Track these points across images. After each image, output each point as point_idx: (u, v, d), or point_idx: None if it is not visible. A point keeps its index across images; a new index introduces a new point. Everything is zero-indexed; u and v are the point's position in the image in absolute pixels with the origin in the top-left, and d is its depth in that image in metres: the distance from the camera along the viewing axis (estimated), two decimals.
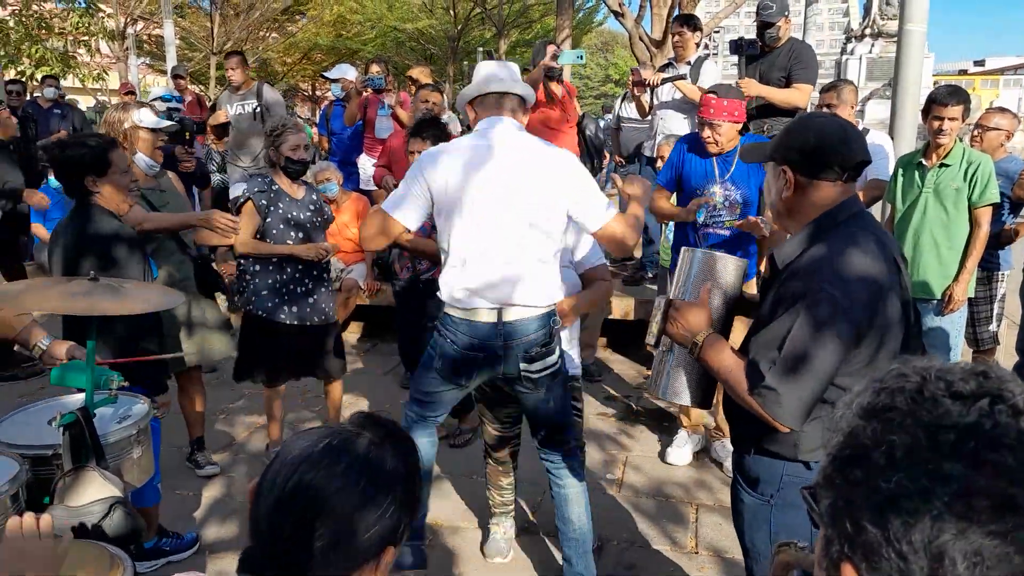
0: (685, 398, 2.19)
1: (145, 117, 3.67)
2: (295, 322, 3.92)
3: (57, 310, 2.31)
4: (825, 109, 4.43)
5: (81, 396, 2.41)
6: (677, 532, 3.55)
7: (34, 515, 1.31)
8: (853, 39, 17.21)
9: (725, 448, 4.04)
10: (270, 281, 3.89)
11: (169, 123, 3.99)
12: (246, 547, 1.02)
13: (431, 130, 3.88)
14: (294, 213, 3.93)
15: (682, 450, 4.21)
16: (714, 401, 2.43)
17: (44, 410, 2.38)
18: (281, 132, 3.92)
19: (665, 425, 4.69)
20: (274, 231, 3.89)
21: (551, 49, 5.08)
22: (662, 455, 4.27)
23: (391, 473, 1.08)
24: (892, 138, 5.16)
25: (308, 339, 4.00)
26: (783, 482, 1.98)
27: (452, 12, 21.55)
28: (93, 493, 1.95)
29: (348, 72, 6.59)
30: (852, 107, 4.58)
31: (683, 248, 2.29)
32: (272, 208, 3.89)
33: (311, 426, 4.43)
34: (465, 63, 22.25)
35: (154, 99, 6.12)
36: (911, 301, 1.98)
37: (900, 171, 4.13)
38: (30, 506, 1.97)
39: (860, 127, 4.53)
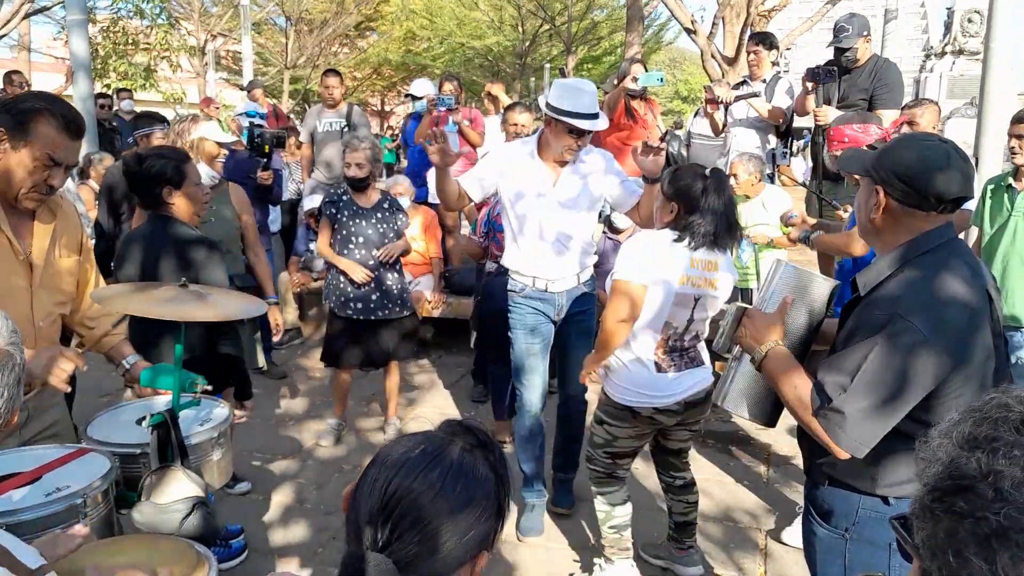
0: (748, 411, 2.13)
1: (211, 130, 3.88)
2: (361, 317, 4.40)
3: (147, 313, 2.41)
4: (906, 127, 4.30)
5: (164, 399, 2.51)
6: (745, 560, 3.47)
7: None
8: (933, 56, 16.73)
9: None
10: (341, 280, 4.41)
11: (232, 139, 4.21)
12: (345, 552, 1.05)
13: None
14: (356, 221, 4.40)
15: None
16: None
17: (131, 411, 2.48)
18: (346, 150, 4.44)
19: (732, 449, 4.61)
20: (339, 237, 4.42)
21: (636, 68, 5.19)
22: (731, 489, 4.18)
23: (484, 480, 1.11)
24: (976, 159, 5.00)
25: (377, 330, 4.46)
26: (859, 516, 1.90)
27: (520, 29, 21.73)
28: (177, 492, 2.02)
29: (429, 88, 6.71)
30: (934, 126, 4.44)
31: (775, 259, 2.28)
32: (339, 217, 4.40)
33: (367, 419, 4.51)
34: (532, 79, 22.40)
35: (239, 114, 6.33)
36: (1002, 333, 1.90)
37: (988, 194, 3.99)
38: (118, 502, 2.06)
39: None
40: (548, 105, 3.27)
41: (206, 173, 3.85)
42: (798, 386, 1.85)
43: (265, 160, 5.09)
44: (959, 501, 0.77)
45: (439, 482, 1.07)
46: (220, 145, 3.97)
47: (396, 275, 4.51)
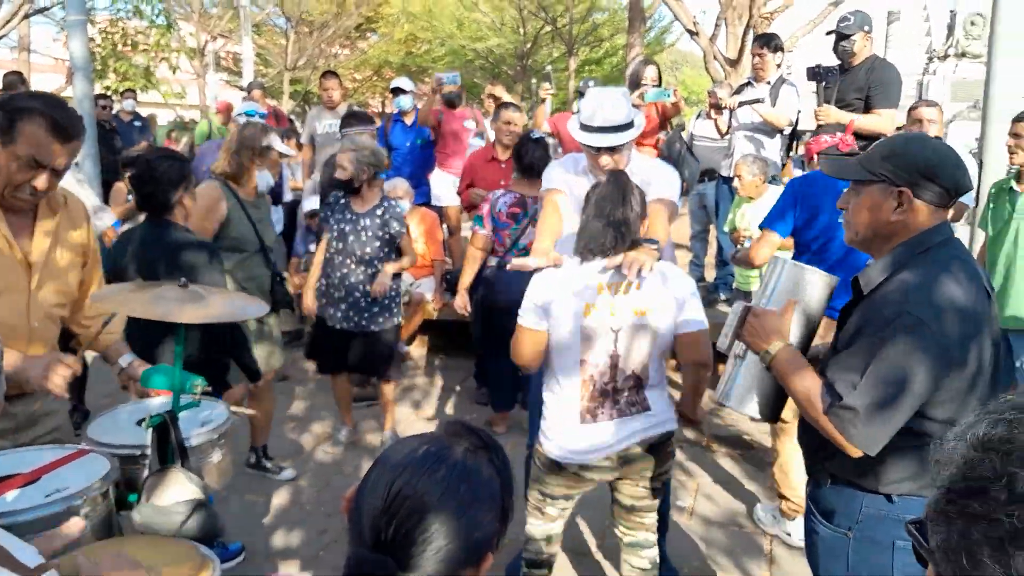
0: (752, 409, 2.10)
1: (277, 142, 3.98)
2: (337, 325, 4.33)
3: (146, 314, 2.39)
4: (915, 127, 4.27)
5: (164, 399, 2.50)
6: (751, 564, 3.46)
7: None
8: (935, 59, 16.73)
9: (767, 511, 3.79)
10: (322, 284, 4.40)
11: (292, 152, 4.27)
12: (348, 555, 1.03)
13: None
14: (341, 225, 4.32)
15: (767, 513, 3.78)
16: (781, 418, 2.31)
17: (130, 411, 2.46)
18: (336, 152, 4.46)
19: (738, 452, 4.60)
20: (327, 237, 4.37)
21: (649, 70, 5.27)
22: (737, 494, 4.13)
23: (488, 480, 1.10)
24: (980, 162, 4.98)
25: (354, 340, 4.36)
26: (862, 514, 1.90)
27: (521, 30, 21.74)
28: (178, 494, 2.00)
29: (406, 83, 6.70)
30: (940, 126, 4.43)
31: (773, 256, 2.25)
32: (329, 220, 4.36)
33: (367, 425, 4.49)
34: (534, 81, 22.41)
35: (238, 114, 6.32)
36: (1000, 332, 1.90)
37: (992, 197, 3.98)
38: (117, 503, 2.04)
39: None
40: (579, 122, 2.90)
41: (265, 180, 3.96)
42: (809, 385, 1.84)
43: None
44: (973, 503, 0.76)
45: (444, 482, 1.06)
46: (282, 156, 4.09)
47: (366, 289, 4.32)
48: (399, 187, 5.85)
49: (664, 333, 2.45)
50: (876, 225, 1.87)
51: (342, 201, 4.35)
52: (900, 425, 1.74)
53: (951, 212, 4.14)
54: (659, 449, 2.52)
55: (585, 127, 2.85)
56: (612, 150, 2.84)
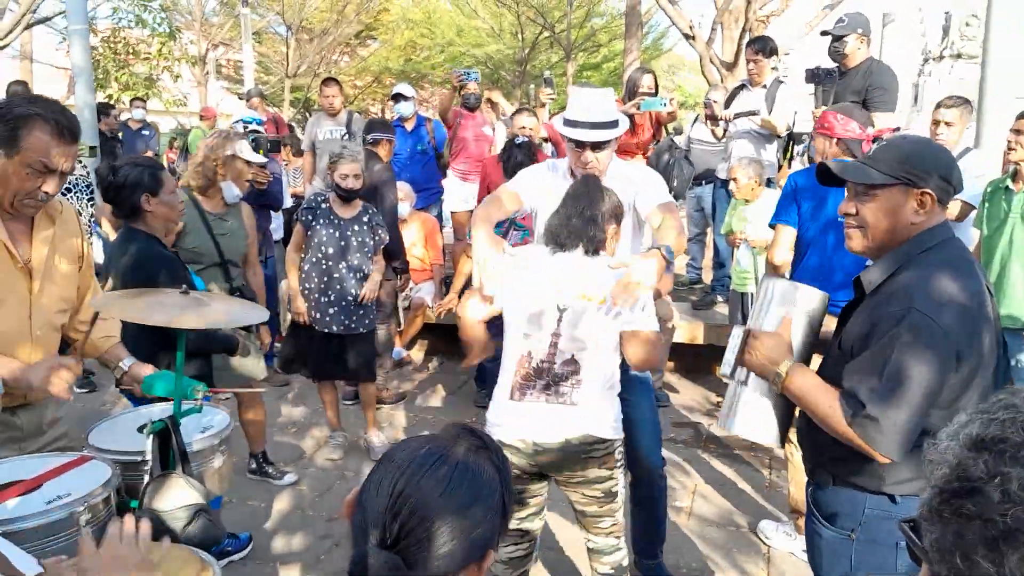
0: (758, 434, 2.08)
1: (244, 149, 3.90)
2: (326, 329, 4.34)
3: (147, 321, 2.40)
4: (943, 127, 4.24)
5: (165, 405, 2.51)
6: (748, 564, 3.46)
7: (134, 519, 1.36)
8: (931, 60, 16.75)
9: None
10: (305, 288, 4.38)
11: (263, 159, 4.21)
12: (352, 554, 1.04)
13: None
14: (330, 231, 4.32)
15: (778, 532, 3.64)
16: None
17: (132, 418, 2.47)
18: (337, 159, 4.32)
19: (735, 453, 4.60)
20: (311, 243, 4.35)
21: (646, 79, 5.29)
22: (734, 493, 4.16)
23: (489, 479, 1.12)
24: None
25: (331, 343, 4.38)
26: (865, 516, 1.89)
27: (520, 36, 21.75)
28: (179, 499, 2.01)
29: (406, 89, 6.72)
30: (966, 127, 4.35)
31: (764, 276, 2.24)
32: (314, 223, 4.33)
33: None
34: (532, 86, 22.42)
35: (235, 121, 6.33)
36: (1000, 331, 1.90)
37: (987, 196, 3.99)
38: (119, 510, 2.05)
39: (962, 147, 4.34)
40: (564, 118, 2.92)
41: (231, 191, 3.87)
42: (828, 400, 1.83)
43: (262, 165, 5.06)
44: (967, 503, 0.77)
45: (446, 480, 1.08)
46: (249, 164, 3.96)
47: (355, 292, 4.37)
48: (400, 189, 5.87)
49: (611, 326, 2.43)
50: (896, 229, 1.85)
51: (324, 206, 4.35)
52: (920, 424, 1.73)
53: (956, 212, 4.14)
54: (583, 453, 2.43)
55: (570, 122, 2.85)
56: (595, 147, 2.83)
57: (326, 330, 4.34)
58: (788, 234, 3.42)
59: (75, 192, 5.42)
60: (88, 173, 5.60)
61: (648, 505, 3.22)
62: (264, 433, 4.19)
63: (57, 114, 2.06)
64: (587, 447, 2.43)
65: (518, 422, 2.43)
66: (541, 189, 3.00)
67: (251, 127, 5.29)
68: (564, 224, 2.50)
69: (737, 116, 5.29)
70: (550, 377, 2.43)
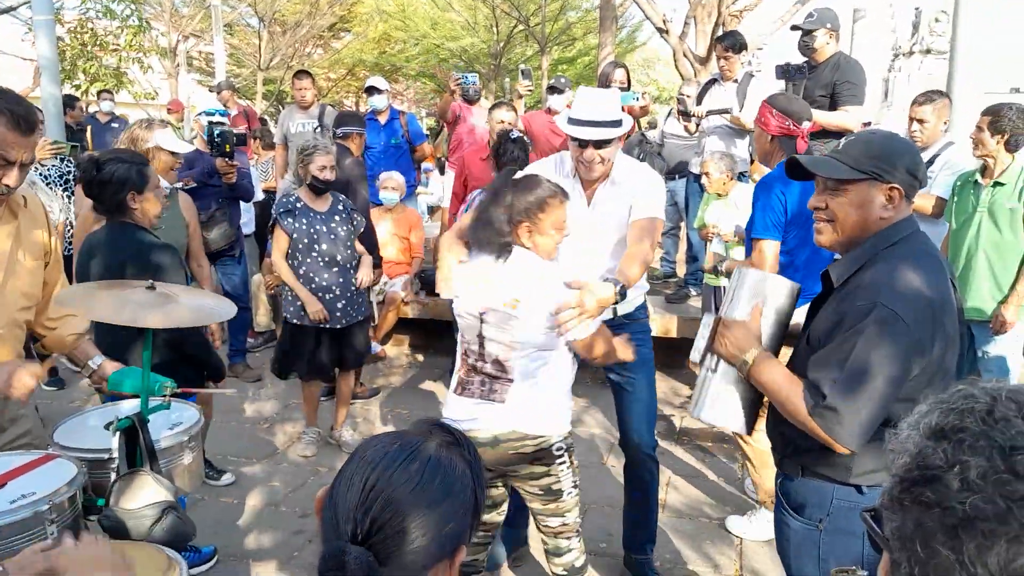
0: (727, 421, 2.12)
1: (167, 139, 3.73)
2: (327, 326, 4.29)
3: (112, 319, 2.36)
4: (917, 124, 4.28)
5: (133, 402, 2.47)
6: (720, 556, 3.49)
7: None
8: (901, 56, 16.96)
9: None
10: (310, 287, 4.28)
11: (189, 147, 4.04)
12: (323, 550, 1.03)
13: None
14: (316, 227, 4.27)
15: (751, 523, 3.67)
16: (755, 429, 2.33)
17: (99, 415, 2.43)
18: (312, 152, 4.25)
19: (707, 445, 4.64)
20: (300, 245, 4.26)
21: (619, 73, 5.37)
22: (726, 526, 3.81)
23: (461, 474, 1.12)
24: None
25: (339, 339, 4.39)
26: (833, 506, 1.92)
27: (495, 29, 21.71)
28: (147, 497, 1.98)
29: (380, 82, 6.68)
30: (946, 122, 4.35)
31: (736, 267, 2.25)
32: (296, 224, 4.24)
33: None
34: (507, 80, 22.39)
35: (198, 113, 6.23)
36: (963, 324, 1.94)
37: (956, 190, 4.05)
38: (85, 508, 2.02)
39: (944, 142, 4.38)
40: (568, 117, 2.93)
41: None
42: (788, 388, 1.87)
43: (227, 158, 4.99)
44: (926, 491, 0.78)
45: (418, 475, 1.07)
46: (174, 155, 3.83)
47: (353, 286, 4.41)
48: (392, 178, 5.86)
49: (531, 329, 2.41)
50: (865, 223, 1.88)
51: (300, 205, 4.27)
52: (881, 417, 1.76)
53: (931, 207, 4.17)
54: (511, 448, 2.46)
55: (574, 121, 2.86)
56: (598, 145, 2.84)
57: (338, 326, 4.32)
58: (773, 248, 3.24)
59: (51, 184, 5.28)
60: (63, 163, 5.46)
61: (638, 487, 3.23)
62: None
63: (12, 104, 2.00)
64: (515, 443, 2.46)
65: (460, 415, 2.51)
66: None
67: (213, 119, 5.18)
68: (472, 231, 2.56)
69: (710, 113, 5.32)
70: (484, 375, 2.52)
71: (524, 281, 2.42)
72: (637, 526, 3.29)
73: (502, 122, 5.17)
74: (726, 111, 5.22)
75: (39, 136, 2.13)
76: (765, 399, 2.05)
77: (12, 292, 2.20)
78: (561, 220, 2.50)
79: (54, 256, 2.38)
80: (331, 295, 4.29)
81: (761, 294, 2.06)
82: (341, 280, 4.32)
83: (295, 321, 4.31)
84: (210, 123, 5.07)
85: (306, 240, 4.25)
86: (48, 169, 5.32)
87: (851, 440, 1.77)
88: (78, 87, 14.30)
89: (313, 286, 4.26)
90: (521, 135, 4.59)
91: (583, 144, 2.85)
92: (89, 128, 9.45)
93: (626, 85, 5.47)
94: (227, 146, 4.91)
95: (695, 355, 2.11)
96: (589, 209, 3.01)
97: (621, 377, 3.13)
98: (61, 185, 5.38)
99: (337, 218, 4.35)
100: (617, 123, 2.86)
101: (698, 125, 5.53)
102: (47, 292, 2.37)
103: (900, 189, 1.84)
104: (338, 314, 4.32)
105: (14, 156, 2.01)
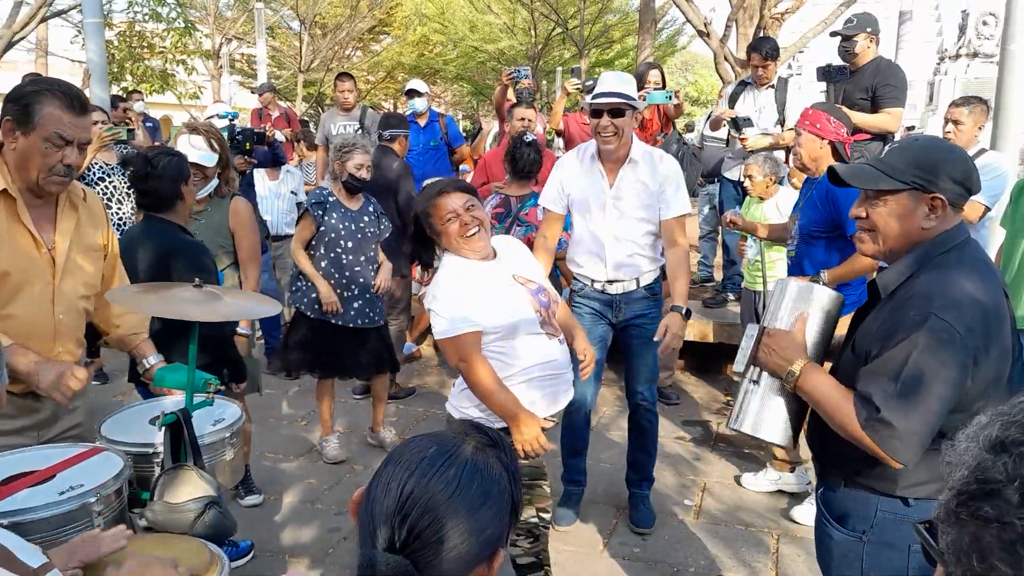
0: (770, 434, 2.06)
1: (191, 149, 3.52)
2: (340, 323, 4.26)
3: (160, 313, 2.42)
4: (951, 125, 4.23)
5: (175, 398, 2.52)
6: (756, 562, 3.45)
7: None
8: (947, 59, 16.61)
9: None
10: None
11: (214, 158, 3.67)
12: (361, 557, 1.03)
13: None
14: (346, 224, 4.25)
15: (758, 478, 4.14)
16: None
17: (144, 410, 2.48)
18: (350, 150, 4.25)
19: (745, 451, 4.58)
20: (326, 238, 4.24)
21: (653, 74, 5.46)
22: (739, 480, 4.19)
23: (498, 477, 1.10)
24: None
25: (353, 339, 4.31)
26: (877, 518, 1.88)
27: (533, 32, 21.73)
28: (190, 492, 2.02)
29: (420, 85, 6.72)
30: (981, 128, 4.31)
31: (779, 278, 2.23)
32: (326, 217, 4.22)
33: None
34: (544, 82, 22.40)
35: (210, 116, 6.29)
36: (1016, 332, 1.88)
37: (1013, 196, 3.95)
38: (130, 501, 2.06)
39: (978, 148, 4.31)
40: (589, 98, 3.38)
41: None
42: (839, 400, 1.82)
43: (246, 155, 5.22)
44: (985, 506, 0.76)
45: (456, 480, 1.06)
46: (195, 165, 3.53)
47: (373, 284, 4.35)
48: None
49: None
50: (908, 234, 1.83)
51: (332, 199, 4.25)
52: (935, 430, 1.71)
53: (972, 214, 4.11)
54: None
55: (593, 95, 3.27)
56: (612, 114, 3.17)
57: (351, 324, 4.28)
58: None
59: (114, 178, 5.24)
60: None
61: (639, 434, 3.72)
62: (248, 446, 3.90)
63: (63, 87, 2.12)
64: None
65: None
66: (564, 187, 3.44)
67: (227, 120, 5.34)
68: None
69: (735, 121, 5.28)
70: None
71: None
72: (635, 464, 3.74)
73: (522, 119, 5.19)
74: (747, 120, 5.20)
75: (91, 118, 2.22)
76: (808, 411, 2.01)
77: (73, 283, 2.28)
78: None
79: (111, 251, 2.47)
80: (349, 293, 4.26)
81: (807, 302, 2.02)
82: (361, 280, 4.29)
83: (308, 313, 4.27)
84: (231, 125, 5.24)
85: (332, 235, 4.23)
86: (112, 167, 5.39)
87: (908, 455, 1.72)
88: (125, 89, 14.61)
89: (332, 281, 4.23)
90: (535, 139, 4.58)
91: (598, 113, 3.19)
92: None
93: (661, 85, 5.47)
94: (247, 144, 5.19)
95: (739, 366, 2.05)
96: (611, 191, 3.32)
97: (633, 344, 3.58)
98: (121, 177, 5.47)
99: (366, 219, 4.34)
100: (630, 98, 3.22)
101: (729, 138, 5.57)
102: (106, 285, 2.45)
103: (943, 199, 1.78)
104: (353, 312, 4.27)
105: (71, 134, 2.11)
